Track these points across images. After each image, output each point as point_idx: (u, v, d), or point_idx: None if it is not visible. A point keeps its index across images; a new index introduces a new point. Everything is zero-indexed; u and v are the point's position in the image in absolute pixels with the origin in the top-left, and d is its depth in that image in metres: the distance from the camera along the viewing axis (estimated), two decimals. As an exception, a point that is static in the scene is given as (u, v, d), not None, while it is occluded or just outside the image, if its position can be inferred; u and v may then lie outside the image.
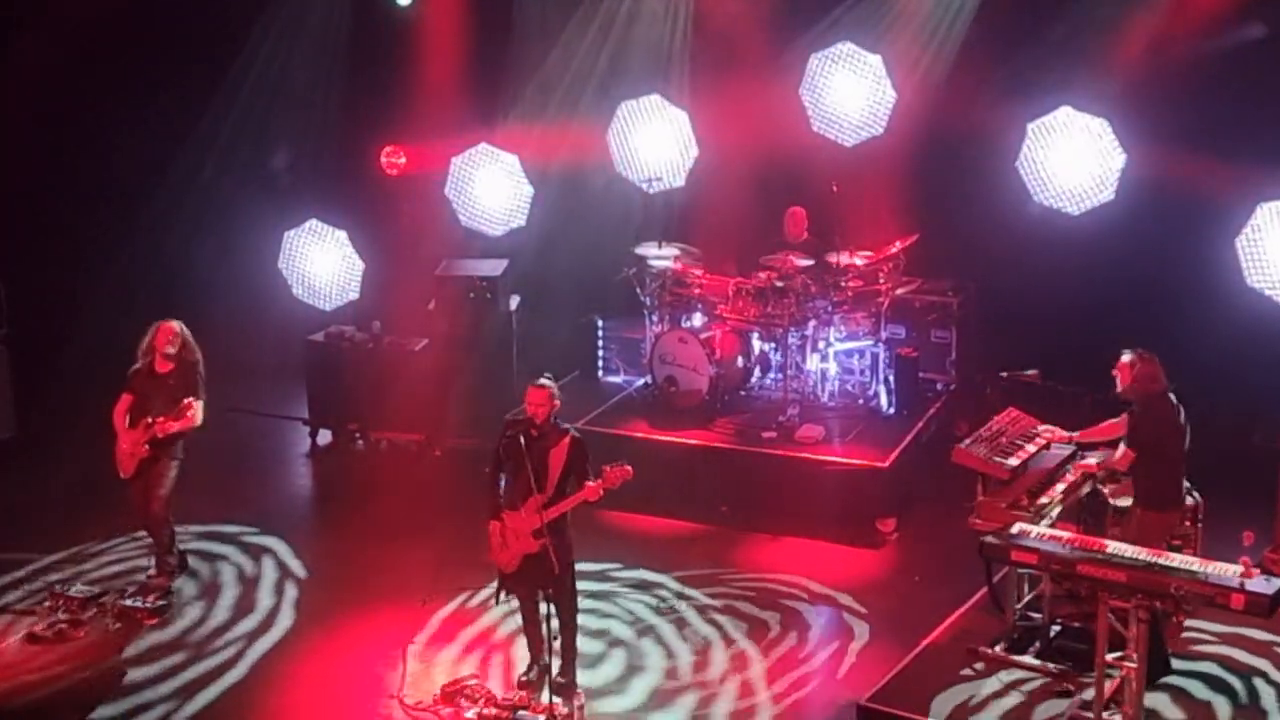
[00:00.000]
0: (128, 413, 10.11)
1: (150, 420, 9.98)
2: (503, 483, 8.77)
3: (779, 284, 12.16)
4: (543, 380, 8.75)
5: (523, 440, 8.56)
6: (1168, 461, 9.15)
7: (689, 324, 12.76)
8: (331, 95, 14.41)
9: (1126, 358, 9.13)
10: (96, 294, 13.85)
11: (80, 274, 13.95)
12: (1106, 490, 9.66)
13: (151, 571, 10.40)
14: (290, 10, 14.27)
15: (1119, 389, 9.17)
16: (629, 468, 8.58)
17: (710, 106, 13.69)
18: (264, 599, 10.30)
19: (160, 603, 10.04)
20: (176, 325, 10.17)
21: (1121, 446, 9.13)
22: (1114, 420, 9.43)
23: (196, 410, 10.00)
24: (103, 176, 14.10)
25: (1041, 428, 9.77)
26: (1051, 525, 8.91)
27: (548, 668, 8.83)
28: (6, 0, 13.33)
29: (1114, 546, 8.35)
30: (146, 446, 10.01)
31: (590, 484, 8.55)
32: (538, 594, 8.76)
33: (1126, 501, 9.45)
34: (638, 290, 12.97)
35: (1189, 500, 9.64)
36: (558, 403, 8.74)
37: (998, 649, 9.23)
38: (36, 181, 13.60)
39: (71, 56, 13.38)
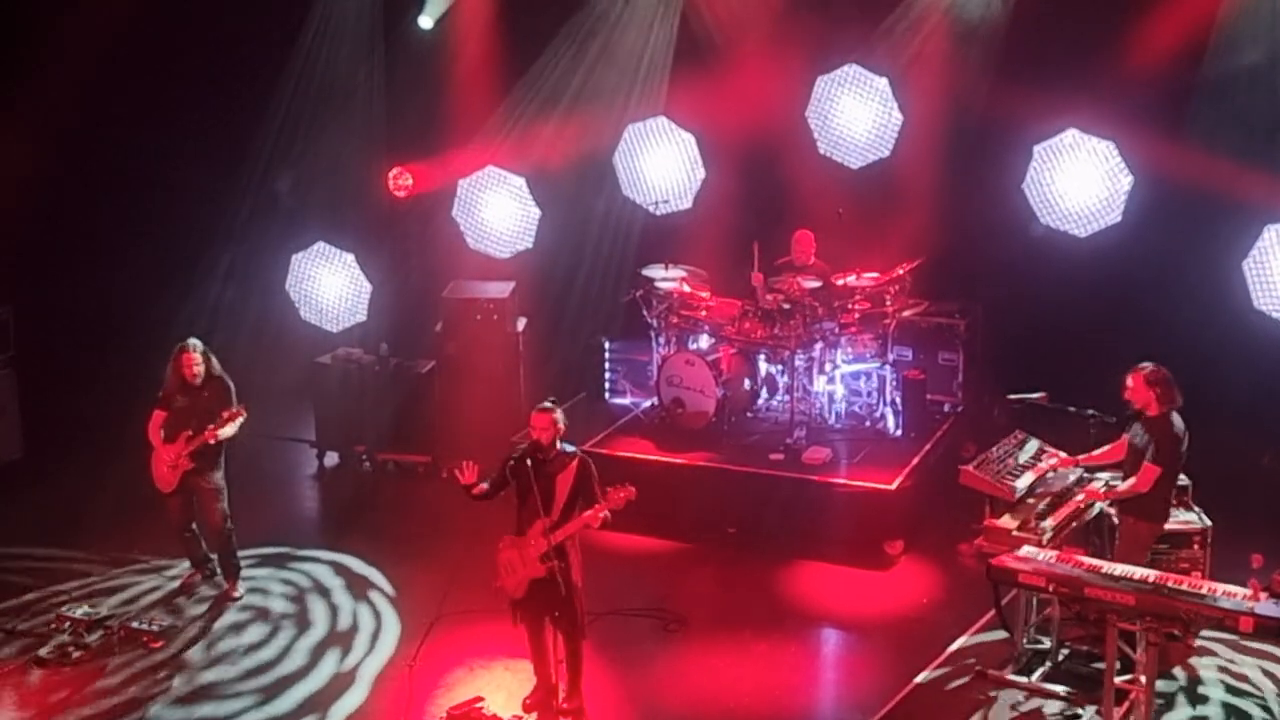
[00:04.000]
0: (161, 428, 10.33)
1: (191, 433, 10.18)
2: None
3: (786, 306, 12.16)
4: (546, 404, 8.75)
5: (530, 464, 8.55)
6: (1174, 474, 9.14)
7: (696, 346, 12.76)
8: (342, 117, 14.46)
9: (1143, 374, 9.01)
10: (103, 317, 13.87)
11: (87, 297, 13.96)
12: (1114, 513, 9.64)
13: (228, 590, 10.62)
14: (322, 35, 14.32)
15: (1139, 405, 9.05)
16: (632, 488, 8.55)
17: (716, 128, 13.73)
18: (268, 622, 10.28)
19: (165, 624, 10.05)
20: (195, 352, 10.30)
21: (1145, 466, 8.99)
22: (1116, 443, 9.40)
23: (237, 419, 10.29)
24: (110, 200, 14.13)
25: (1047, 454, 9.74)
26: (1060, 548, 8.89)
27: (554, 690, 8.83)
28: (20, 30, 13.41)
29: (1122, 569, 8.33)
30: (188, 458, 10.21)
31: (596, 506, 8.52)
32: (545, 617, 8.75)
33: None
34: (644, 312, 12.97)
35: (1201, 523, 9.62)
36: (562, 426, 8.72)
37: (1006, 672, 9.20)
38: (43, 204, 13.62)
39: (82, 82, 13.42)
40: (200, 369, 10.28)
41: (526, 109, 14.13)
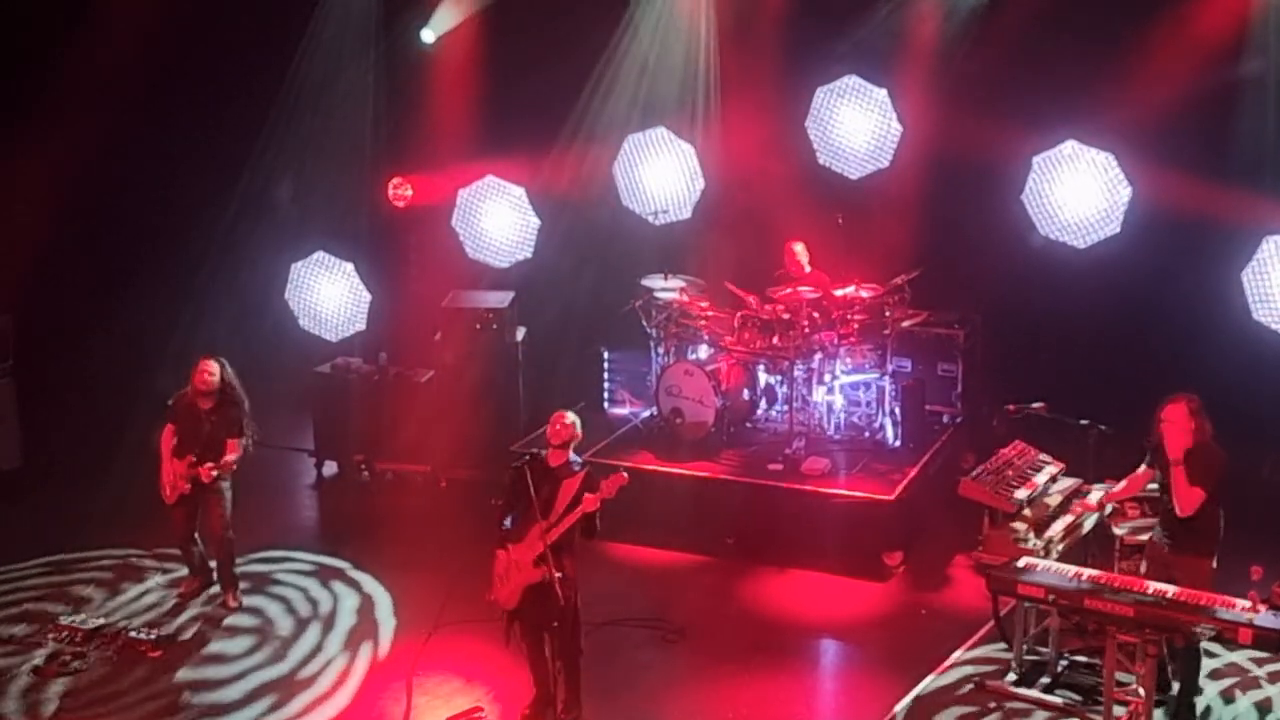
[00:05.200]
0: (173, 439, 10.35)
1: (194, 460, 10.20)
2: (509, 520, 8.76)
3: (785, 316, 12.16)
4: (570, 413, 8.81)
5: (529, 474, 8.53)
6: (1219, 500, 8.75)
7: (695, 356, 12.76)
8: (342, 127, 14.47)
9: (1183, 409, 8.55)
10: (103, 325, 13.87)
11: (86, 306, 13.97)
12: (1113, 524, 9.63)
13: (225, 599, 10.59)
14: (322, 45, 14.33)
15: (1180, 439, 8.56)
16: (624, 474, 8.54)
17: (716, 139, 13.74)
18: (267, 631, 10.26)
19: (163, 633, 10.03)
20: (214, 365, 10.32)
21: (1192, 490, 8.59)
22: (1136, 474, 9.17)
23: (235, 451, 10.29)
24: (110, 208, 14.14)
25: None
26: (1058, 560, 8.87)
27: (552, 700, 8.82)
28: (20, 39, 13.44)
29: (1121, 581, 8.32)
30: (186, 483, 10.24)
31: (587, 495, 8.51)
32: (541, 628, 8.73)
33: (1126, 529, 9.41)
34: (644, 322, 12.97)
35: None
36: (579, 434, 8.78)
37: (1005, 683, 9.19)
38: (44, 214, 13.63)
39: (83, 93, 13.43)
40: (214, 380, 10.25)
41: (527, 120, 14.13)
